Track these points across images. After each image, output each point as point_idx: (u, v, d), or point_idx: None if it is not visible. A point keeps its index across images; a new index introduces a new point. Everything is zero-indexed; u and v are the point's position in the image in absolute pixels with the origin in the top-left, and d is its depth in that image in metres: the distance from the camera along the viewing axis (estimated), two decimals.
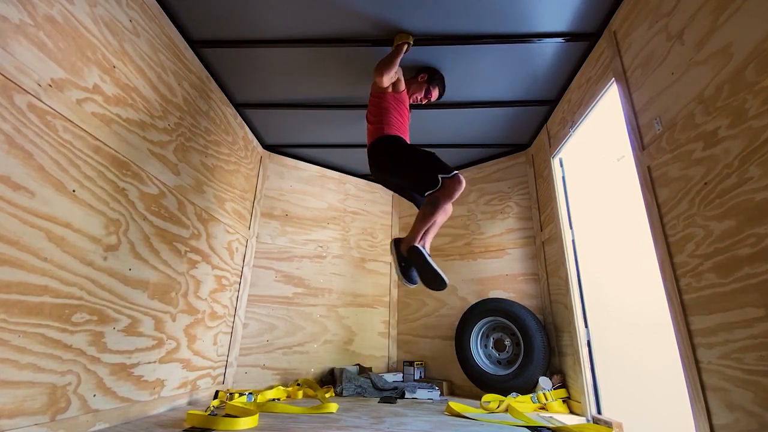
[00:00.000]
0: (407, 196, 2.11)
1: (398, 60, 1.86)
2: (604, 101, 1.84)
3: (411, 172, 1.83)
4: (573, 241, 2.18)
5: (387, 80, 1.87)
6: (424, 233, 1.80)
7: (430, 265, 1.66)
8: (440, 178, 1.71)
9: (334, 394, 2.42)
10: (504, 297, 2.63)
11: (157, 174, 1.66)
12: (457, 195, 1.72)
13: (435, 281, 1.64)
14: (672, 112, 1.32)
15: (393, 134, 1.93)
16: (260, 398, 2.00)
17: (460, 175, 1.72)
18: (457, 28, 1.84)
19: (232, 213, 2.40)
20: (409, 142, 1.99)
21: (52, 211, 1.17)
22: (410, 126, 2.51)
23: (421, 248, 1.72)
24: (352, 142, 2.83)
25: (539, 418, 1.80)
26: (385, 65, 1.85)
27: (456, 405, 1.86)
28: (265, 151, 2.91)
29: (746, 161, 1.03)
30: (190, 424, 1.44)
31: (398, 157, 1.88)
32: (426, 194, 1.75)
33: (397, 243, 1.86)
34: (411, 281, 1.79)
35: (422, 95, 2.11)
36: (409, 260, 1.75)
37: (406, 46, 1.86)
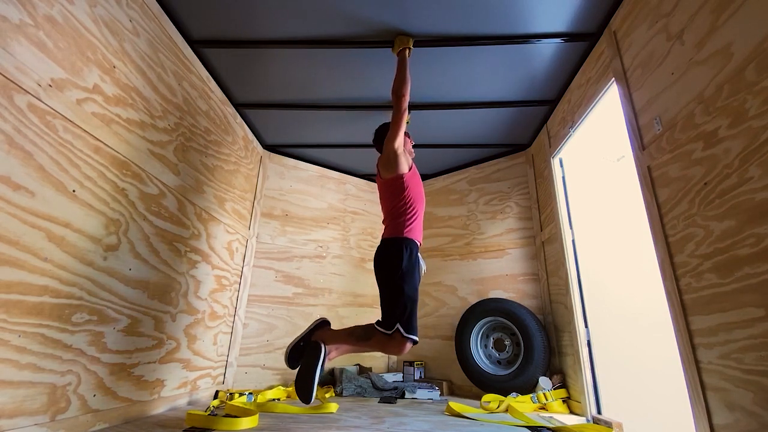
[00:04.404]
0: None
1: (409, 68, 1.83)
2: (604, 101, 1.84)
3: (386, 298, 1.70)
4: (573, 241, 2.18)
5: (407, 94, 1.79)
6: (342, 343, 1.72)
7: (313, 374, 1.57)
8: (396, 328, 1.60)
9: (334, 394, 2.42)
10: (504, 297, 2.63)
11: (157, 174, 1.66)
12: (389, 353, 1.66)
13: (303, 389, 1.55)
14: (672, 112, 1.32)
15: (409, 239, 1.76)
16: (260, 398, 2.00)
17: (411, 344, 1.61)
18: (458, 29, 1.83)
19: (232, 213, 2.40)
20: (418, 252, 1.80)
21: (52, 211, 1.17)
22: (411, 127, 2.52)
23: (323, 353, 1.63)
24: (352, 142, 2.82)
25: (539, 418, 1.80)
26: (401, 82, 1.78)
27: (456, 405, 1.86)
28: (265, 151, 2.91)
29: (746, 161, 1.03)
30: (190, 424, 1.44)
31: (391, 277, 1.71)
32: (377, 323, 1.65)
33: (322, 324, 1.79)
34: (290, 364, 1.70)
35: (410, 146, 2.04)
36: (307, 350, 1.67)
37: (408, 51, 1.86)
